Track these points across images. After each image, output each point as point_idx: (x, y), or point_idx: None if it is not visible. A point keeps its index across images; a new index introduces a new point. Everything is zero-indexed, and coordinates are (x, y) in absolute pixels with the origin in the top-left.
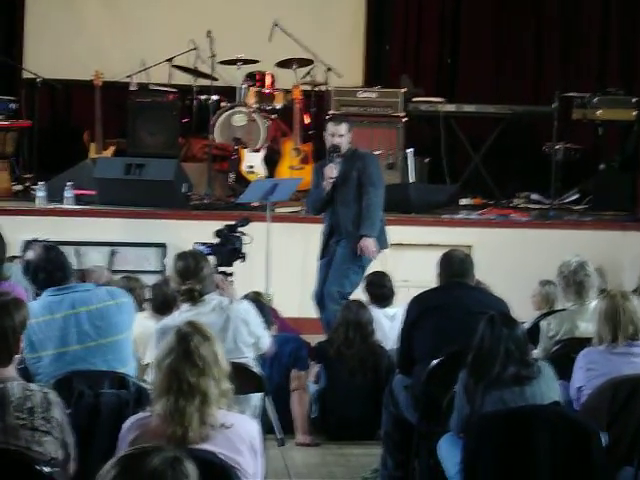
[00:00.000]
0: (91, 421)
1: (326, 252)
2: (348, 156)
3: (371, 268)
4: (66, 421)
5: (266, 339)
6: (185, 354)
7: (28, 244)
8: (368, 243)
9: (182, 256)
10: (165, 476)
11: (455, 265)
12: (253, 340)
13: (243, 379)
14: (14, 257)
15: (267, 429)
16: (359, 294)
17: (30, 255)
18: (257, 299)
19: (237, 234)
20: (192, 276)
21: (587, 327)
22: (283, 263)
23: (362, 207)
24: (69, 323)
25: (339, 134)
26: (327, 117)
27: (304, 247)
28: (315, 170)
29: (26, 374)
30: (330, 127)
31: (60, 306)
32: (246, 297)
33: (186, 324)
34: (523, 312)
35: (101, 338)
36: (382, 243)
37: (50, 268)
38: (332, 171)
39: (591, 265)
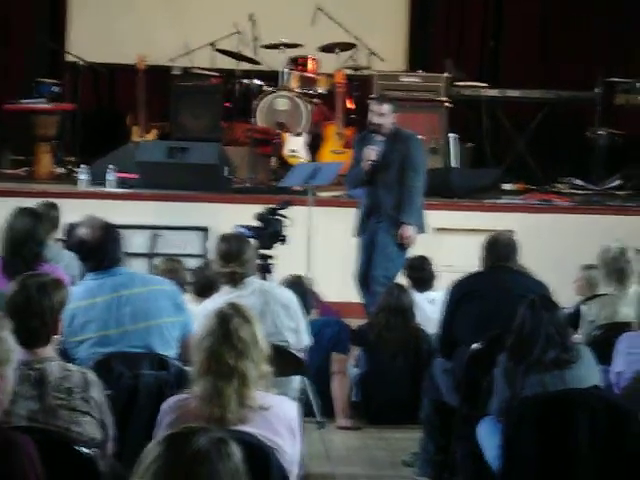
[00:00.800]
0: (130, 402)
1: (365, 229)
2: (390, 137)
3: (413, 252)
4: (105, 402)
5: (306, 336)
6: (224, 336)
7: (81, 223)
8: (408, 231)
9: (225, 238)
10: (210, 456)
11: (500, 249)
12: (293, 324)
13: (283, 361)
14: (57, 240)
15: (308, 412)
16: (400, 278)
17: (87, 234)
18: (298, 282)
19: (278, 217)
20: (234, 259)
21: (628, 312)
22: (324, 247)
23: (403, 191)
24: (110, 307)
25: (380, 113)
26: (370, 98)
27: (345, 231)
28: (356, 142)
29: (65, 357)
30: (372, 106)
31: (101, 290)
32: (286, 280)
33: (227, 305)
34: (565, 297)
35: (141, 322)
36: (421, 227)
37: (105, 249)
38: (372, 154)
39: (632, 250)
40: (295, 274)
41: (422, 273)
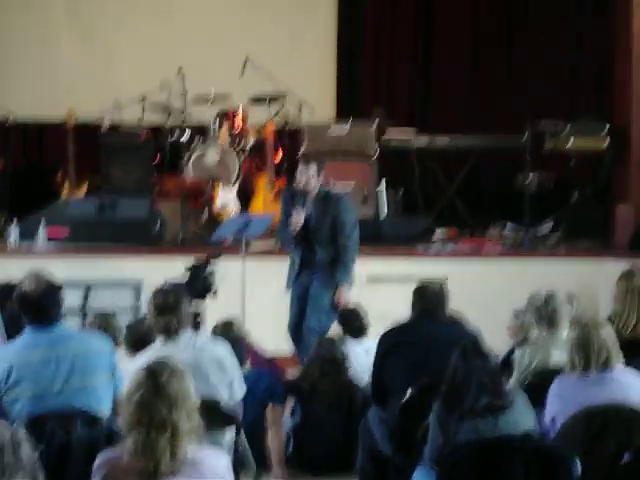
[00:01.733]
0: (62, 460)
1: (297, 280)
2: (321, 197)
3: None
4: (36, 460)
5: (239, 389)
6: (155, 388)
7: (26, 276)
8: (344, 293)
9: (161, 291)
10: None
11: (429, 297)
12: (227, 380)
13: (216, 416)
14: None
15: (242, 465)
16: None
17: (31, 287)
18: (229, 329)
19: (208, 269)
20: (170, 311)
21: (561, 356)
22: (258, 299)
23: (337, 250)
24: (46, 364)
25: (308, 174)
26: (298, 156)
27: (279, 282)
28: (283, 198)
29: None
30: (300, 167)
31: (38, 346)
32: (216, 328)
33: (155, 360)
34: (499, 342)
35: (76, 380)
36: (351, 282)
37: (48, 304)
38: (300, 219)
39: (560, 295)
40: (227, 320)
41: (355, 322)
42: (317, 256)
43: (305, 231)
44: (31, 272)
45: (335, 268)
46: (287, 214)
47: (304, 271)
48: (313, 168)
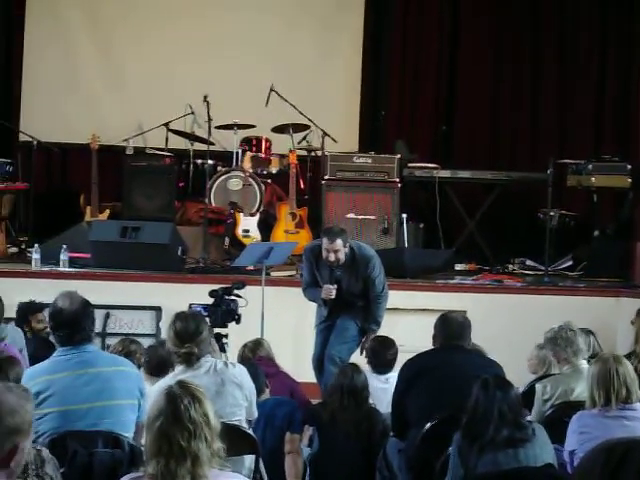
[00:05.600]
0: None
1: (330, 317)
2: (348, 262)
3: None
4: (59, 478)
5: (255, 410)
6: (175, 416)
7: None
8: (370, 339)
9: (181, 317)
10: None
11: (451, 327)
12: (246, 403)
13: (236, 440)
14: (8, 319)
15: None
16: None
17: (65, 305)
18: (259, 349)
19: (233, 296)
20: (190, 339)
21: (581, 391)
22: (277, 326)
23: (370, 303)
24: (74, 383)
25: (334, 249)
26: (321, 183)
27: (298, 311)
28: (306, 257)
29: None
30: (325, 243)
31: (68, 365)
32: (245, 347)
33: (176, 385)
34: (518, 376)
35: (102, 401)
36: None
37: (82, 322)
38: (332, 293)
39: (578, 330)
40: (256, 340)
41: (384, 359)
42: (352, 305)
43: (337, 290)
44: (66, 291)
45: (366, 314)
46: (312, 275)
47: (334, 315)
48: (339, 242)
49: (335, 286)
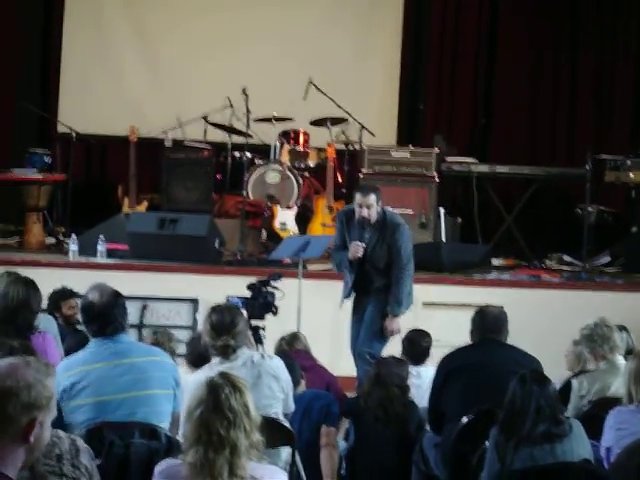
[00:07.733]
0: (121, 471)
1: (356, 305)
2: (378, 225)
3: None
4: (94, 468)
5: (292, 403)
6: (215, 405)
7: (92, 287)
8: (393, 325)
9: (217, 309)
10: None
11: (489, 322)
12: (283, 396)
13: (272, 433)
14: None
15: None
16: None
17: (95, 298)
18: (296, 342)
19: (270, 288)
20: (227, 331)
21: (619, 387)
22: (314, 320)
23: (392, 277)
24: (109, 374)
25: (367, 204)
26: (358, 176)
27: (335, 304)
28: (339, 219)
29: (60, 423)
30: (358, 198)
31: (102, 356)
32: (282, 340)
33: (217, 375)
34: (555, 372)
35: (137, 391)
36: (408, 306)
37: (113, 315)
38: (359, 251)
39: (613, 326)
40: (293, 333)
41: (419, 347)
42: (372, 283)
43: (361, 256)
44: (96, 283)
45: (390, 296)
46: (342, 237)
47: (360, 296)
48: (372, 198)
49: (364, 244)
